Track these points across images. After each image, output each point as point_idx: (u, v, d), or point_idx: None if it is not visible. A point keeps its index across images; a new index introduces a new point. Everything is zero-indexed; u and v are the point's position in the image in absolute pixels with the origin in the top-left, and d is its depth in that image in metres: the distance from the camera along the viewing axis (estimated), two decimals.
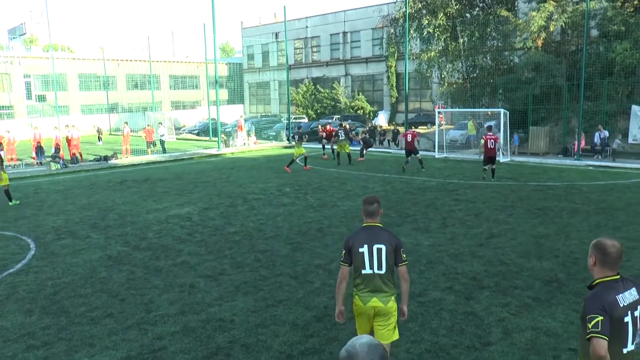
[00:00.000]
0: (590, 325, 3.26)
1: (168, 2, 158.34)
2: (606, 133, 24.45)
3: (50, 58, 42.90)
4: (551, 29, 27.49)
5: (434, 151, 26.58)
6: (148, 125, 33.52)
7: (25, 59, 51.98)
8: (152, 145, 29.98)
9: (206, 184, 18.65)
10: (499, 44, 31.00)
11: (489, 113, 30.46)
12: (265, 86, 62.22)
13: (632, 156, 23.76)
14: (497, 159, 18.72)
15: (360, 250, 4.95)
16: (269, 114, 55.36)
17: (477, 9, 32.32)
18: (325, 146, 26.33)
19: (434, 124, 30.84)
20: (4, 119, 46.13)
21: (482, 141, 18.47)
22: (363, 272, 4.95)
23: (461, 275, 8.55)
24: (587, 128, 25.41)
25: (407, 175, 19.52)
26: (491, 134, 18.51)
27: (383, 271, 4.93)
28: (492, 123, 26.94)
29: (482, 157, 18.70)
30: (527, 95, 27.50)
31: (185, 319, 7.15)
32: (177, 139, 41.54)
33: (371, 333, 4.99)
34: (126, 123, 31.38)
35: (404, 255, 5.03)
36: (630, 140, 24.32)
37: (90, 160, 26.64)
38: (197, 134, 44.15)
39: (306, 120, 48.24)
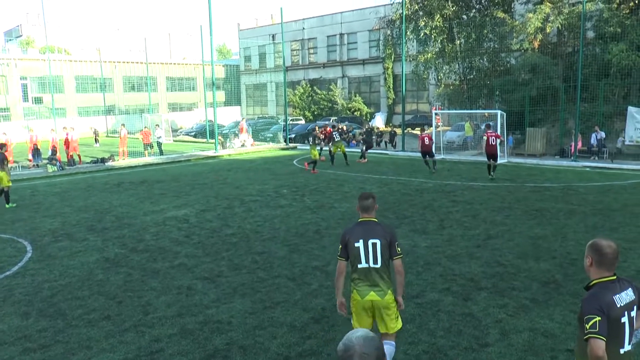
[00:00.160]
0: (587, 326, 3.27)
1: (165, 4, 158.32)
2: (603, 134, 24.52)
3: (46, 60, 42.80)
4: (547, 31, 27.57)
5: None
6: (145, 127, 33.48)
7: (21, 61, 51.91)
8: (149, 147, 29.96)
9: (203, 186, 18.64)
10: (496, 46, 31.05)
11: (486, 114, 30.51)
12: (262, 88, 62.26)
13: (628, 157, 23.84)
14: (497, 156, 19.21)
15: (356, 245, 5.11)
16: (266, 116, 55.40)
17: (474, 10, 32.38)
18: (324, 148, 26.35)
19: (431, 126, 30.85)
20: (0, 121, 46.01)
21: (485, 138, 18.84)
22: (359, 266, 5.12)
23: (459, 277, 8.55)
24: (583, 129, 25.47)
25: (404, 177, 19.54)
26: (492, 131, 19.08)
27: (379, 265, 5.09)
28: (490, 124, 27.04)
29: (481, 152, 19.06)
30: (523, 97, 27.55)
31: (183, 321, 7.14)
32: (174, 141, 41.51)
33: (373, 328, 5.10)
34: (123, 125, 31.36)
35: (399, 249, 5.18)
36: (626, 142, 24.39)
37: (87, 163, 26.60)
38: (194, 136, 44.13)
39: (303, 121, 48.28)
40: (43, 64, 46.44)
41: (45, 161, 25.33)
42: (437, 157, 25.70)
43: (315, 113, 52.48)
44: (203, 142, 38.67)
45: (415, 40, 34.79)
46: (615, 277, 3.48)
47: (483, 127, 31.19)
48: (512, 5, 31.52)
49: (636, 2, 26.12)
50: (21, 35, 79.48)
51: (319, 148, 23.06)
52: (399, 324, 5.31)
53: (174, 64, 65.18)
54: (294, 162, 25.45)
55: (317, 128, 27.41)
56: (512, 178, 18.81)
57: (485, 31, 30.37)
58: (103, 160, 26.41)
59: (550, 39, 29.05)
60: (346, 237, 5.22)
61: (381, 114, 49.57)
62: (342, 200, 15.41)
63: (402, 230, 11.60)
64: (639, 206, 13.62)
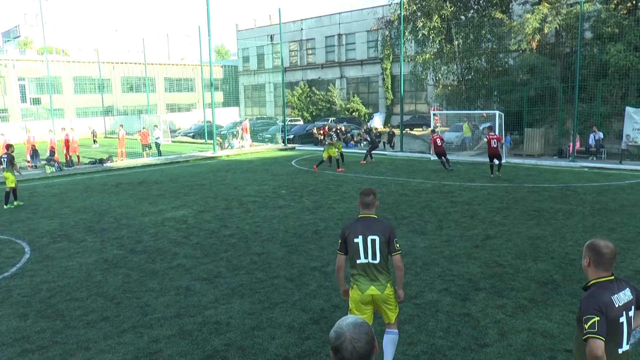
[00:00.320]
0: (586, 326, 3.27)
1: (163, 5, 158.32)
2: (601, 135, 24.56)
3: (44, 61, 42.81)
4: (545, 31, 27.62)
5: (430, 153, 26.60)
6: (143, 128, 33.46)
7: (19, 62, 51.86)
8: (147, 148, 29.93)
9: (202, 187, 18.63)
10: (494, 46, 31.09)
11: (484, 115, 30.56)
12: (261, 88, 62.27)
13: (626, 157, 23.88)
14: (501, 156, 19.88)
15: (356, 240, 5.23)
16: (265, 117, 55.40)
17: (472, 11, 32.42)
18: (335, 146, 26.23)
19: (429, 126, 30.88)
20: None
21: (485, 140, 19.50)
22: (358, 261, 5.24)
23: (457, 277, 8.56)
24: (581, 130, 25.52)
25: (402, 178, 19.55)
26: (493, 133, 19.77)
27: (377, 261, 5.21)
28: (488, 125, 27.04)
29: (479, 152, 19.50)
30: (522, 97, 27.60)
31: (181, 321, 7.13)
32: (172, 141, 41.49)
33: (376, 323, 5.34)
34: (121, 126, 31.35)
35: (397, 245, 5.29)
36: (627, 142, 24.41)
37: (86, 164, 26.58)
38: (193, 137, 44.11)
39: (301, 122, 48.28)
40: (41, 64, 46.40)
41: (43, 162, 25.30)
42: (436, 157, 25.77)
43: (314, 114, 52.51)
44: (201, 143, 38.67)
45: (413, 41, 34.83)
46: (613, 277, 3.49)
47: (481, 128, 31.32)
48: (510, 6, 31.58)
49: (634, 2, 26.18)
50: (19, 36, 79.46)
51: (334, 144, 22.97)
52: (398, 310, 5.49)
53: (172, 64, 65.19)
54: (293, 162, 25.45)
55: (315, 129, 27.38)
56: (510, 178, 18.83)
57: (484, 32, 30.41)
58: (101, 161, 26.39)
59: (548, 39, 29.12)
60: (346, 232, 5.32)
61: (379, 115, 49.60)
62: (340, 200, 15.41)
63: (401, 230, 11.60)
64: (637, 206, 13.65)
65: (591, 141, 24.77)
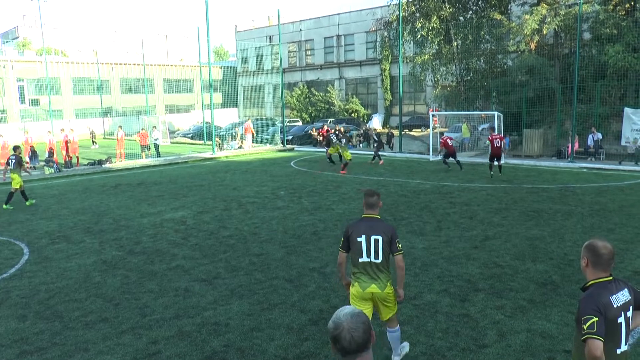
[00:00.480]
0: (585, 327, 3.28)
1: (162, 6, 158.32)
2: (599, 135, 24.58)
3: (43, 62, 42.79)
4: (544, 32, 27.63)
5: (428, 154, 26.63)
6: (142, 129, 33.45)
7: (18, 63, 51.79)
8: (146, 149, 29.92)
9: (201, 188, 18.62)
10: (493, 47, 31.12)
11: (483, 116, 30.59)
12: (260, 89, 62.27)
13: (625, 158, 23.90)
14: (502, 156, 20.13)
15: (359, 239, 5.38)
16: (263, 118, 55.41)
17: (471, 12, 32.46)
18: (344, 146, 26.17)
19: (428, 127, 30.90)
20: None
21: (488, 142, 19.80)
22: (360, 260, 5.39)
23: (456, 278, 8.56)
24: (580, 130, 25.54)
25: (401, 179, 19.56)
26: (496, 134, 20.16)
27: (379, 260, 5.36)
28: (486, 126, 27.06)
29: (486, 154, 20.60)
30: (520, 98, 27.64)
31: (180, 323, 7.13)
32: (171, 142, 41.47)
33: (373, 316, 5.45)
34: (120, 127, 31.35)
35: (399, 245, 5.43)
36: (623, 142, 24.46)
37: (85, 165, 26.57)
38: (192, 138, 44.09)
39: (300, 123, 48.27)
40: (40, 65, 46.34)
41: (42, 163, 25.27)
42: (435, 158, 25.80)
43: (313, 115, 52.50)
44: (200, 144, 38.64)
45: (412, 42, 34.86)
46: (611, 278, 3.49)
47: (480, 128, 31.35)
48: (509, 7, 31.61)
49: (632, 3, 26.22)
50: (18, 37, 79.42)
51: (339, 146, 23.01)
52: (396, 307, 5.64)
53: (171, 65, 65.17)
54: (292, 163, 25.46)
55: (314, 130, 27.33)
56: (509, 179, 18.84)
57: (482, 33, 30.44)
58: (100, 162, 26.37)
59: (546, 40, 29.13)
60: (349, 231, 5.47)
61: (378, 116, 49.60)
62: (339, 201, 15.41)
63: (400, 231, 11.59)
64: (636, 207, 13.66)
65: (590, 142, 24.80)
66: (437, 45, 32.27)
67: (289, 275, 8.96)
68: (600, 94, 25.56)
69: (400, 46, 32.26)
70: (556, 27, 27.31)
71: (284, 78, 41.13)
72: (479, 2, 32.27)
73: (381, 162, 24.00)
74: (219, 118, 45.78)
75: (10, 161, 16.54)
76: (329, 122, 41.51)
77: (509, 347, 6.16)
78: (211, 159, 28.83)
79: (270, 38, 58.84)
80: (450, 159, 21.70)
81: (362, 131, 37.77)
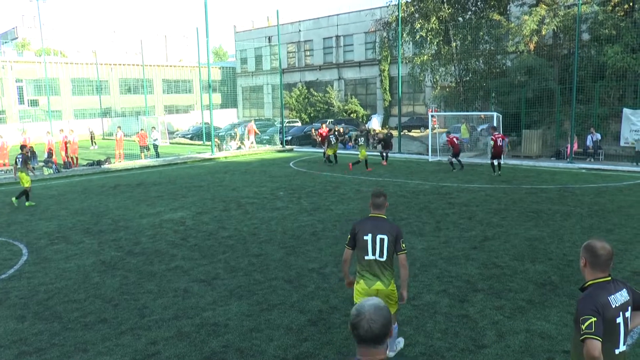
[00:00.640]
0: (583, 327, 3.28)
1: (161, 7, 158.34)
2: (598, 136, 24.61)
3: (42, 62, 42.78)
4: (543, 33, 27.66)
5: (427, 154, 26.65)
6: (141, 129, 33.44)
7: (17, 63, 51.77)
8: (145, 150, 29.91)
9: (200, 188, 18.62)
10: (492, 48, 31.15)
11: (482, 116, 30.61)
12: (259, 90, 62.26)
13: (624, 159, 23.93)
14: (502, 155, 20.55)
15: (365, 238, 5.56)
16: (262, 118, 55.41)
17: (470, 12, 32.49)
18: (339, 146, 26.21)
19: (427, 128, 30.91)
20: None
21: (492, 142, 20.22)
22: (366, 257, 5.56)
23: (455, 279, 8.56)
24: (579, 131, 25.56)
25: (400, 179, 19.56)
26: (497, 133, 20.55)
27: (384, 258, 5.54)
28: (486, 126, 27.05)
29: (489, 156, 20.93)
30: (519, 99, 27.67)
31: (179, 323, 7.13)
32: (170, 143, 41.47)
33: None
34: (119, 127, 31.34)
35: (404, 245, 5.61)
36: (622, 143, 24.48)
37: (84, 165, 26.56)
38: (191, 138, 44.09)
39: (299, 124, 48.27)
40: (39, 66, 46.34)
41: (41, 164, 25.25)
42: (434, 159, 25.85)
43: (312, 115, 52.49)
44: (199, 145, 38.63)
45: (411, 43, 34.88)
46: (610, 278, 3.50)
47: (479, 129, 31.35)
48: (508, 8, 31.64)
49: (631, 4, 26.25)
50: (17, 38, 79.35)
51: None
52: (397, 307, 5.83)
53: (170, 66, 65.17)
54: (291, 164, 25.45)
55: (313, 130, 27.32)
56: (508, 180, 18.85)
57: (481, 33, 30.46)
58: (99, 163, 26.36)
59: (545, 41, 29.16)
60: (356, 229, 5.66)
61: (377, 116, 49.60)
62: (338, 202, 15.41)
63: None
64: (635, 208, 13.67)
65: (589, 142, 24.82)
66: (436, 45, 32.29)
67: (288, 275, 8.96)
68: (599, 95, 25.58)
69: (400, 47, 32.28)
70: (555, 28, 27.34)
71: (283, 79, 41.11)
72: (478, 3, 32.30)
73: (384, 162, 23.96)
74: (218, 119, 45.80)
75: (17, 160, 16.71)
76: (328, 122, 41.53)
77: (508, 348, 6.16)
78: (210, 159, 28.83)
79: (269, 39, 58.84)
80: (451, 158, 21.94)
81: (361, 131, 37.77)
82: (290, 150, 32.77)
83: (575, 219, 12.47)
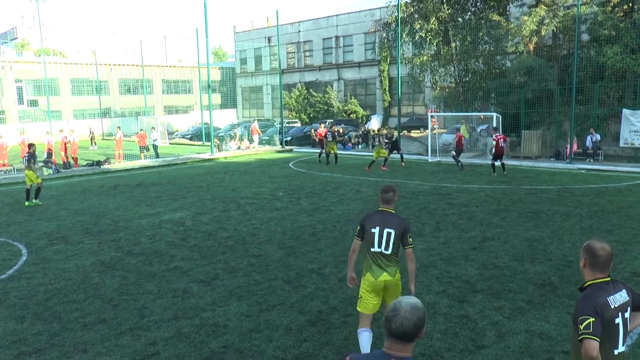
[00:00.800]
0: (581, 327, 3.29)
1: (160, 7, 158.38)
2: (598, 137, 24.61)
3: (42, 63, 42.78)
4: (542, 34, 27.65)
5: (427, 155, 26.65)
6: (141, 130, 33.43)
7: (16, 63, 51.75)
8: (145, 150, 29.92)
9: (199, 189, 18.62)
10: (491, 48, 31.14)
11: (482, 117, 30.61)
12: (258, 90, 62.23)
13: (623, 159, 23.95)
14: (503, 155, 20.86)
15: (372, 230, 5.72)
16: (262, 118, 55.42)
17: (469, 13, 32.48)
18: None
19: (427, 128, 30.92)
20: None
21: (494, 142, 20.37)
22: (372, 249, 5.73)
23: (455, 279, 8.56)
24: (579, 132, 25.56)
25: (400, 180, 19.56)
26: (499, 134, 20.77)
27: (389, 252, 5.70)
28: (485, 127, 27.06)
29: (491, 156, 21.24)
30: (519, 99, 27.67)
31: (179, 324, 7.12)
32: (170, 143, 41.47)
33: (381, 305, 5.84)
34: (119, 128, 31.35)
35: (411, 240, 5.77)
36: (621, 144, 24.49)
37: (83, 166, 26.55)
38: (190, 139, 44.10)
39: (299, 124, 48.26)
40: (38, 66, 46.34)
41: (40, 164, 25.23)
42: (433, 159, 25.85)
43: (311, 116, 52.48)
44: (199, 145, 38.65)
45: (410, 43, 34.86)
46: (609, 279, 3.50)
47: (479, 129, 31.35)
48: (507, 8, 31.64)
49: (630, 5, 26.25)
50: (16, 38, 79.35)
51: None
52: None
53: (170, 66, 65.15)
54: (290, 164, 25.46)
55: (313, 131, 27.38)
56: (507, 180, 18.86)
57: (481, 34, 30.46)
58: (99, 163, 26.36)
59: (545, 41, 29.15)
60: (364, 222, 5.82)
61: (377, 117, 49.54)
62: (338, 202, 15.41)
63: None
64: (634, 208, 13.68)
65: (588, 143, 24.83)
66: (436, 46, 32.28)
67: (287, 276, 8.96)
68: (599, 95, 25.59)
69: (399, 47, 32.28)
70: (555, 29, 27.33)
71: (282, 79, 41.14)
72: (478, 4, 32.29)
73: (384, 167, 23.07)
74: (218, 119, 45.81)
75: (25, 159, 16.84)
76: (327, 123, 41.55)
77: (507, 348, 6.16)
78: (210, 160, 28.84)
79: (268, 39, 58.83)
80: (453, 152, 22.34)
81: (361, 132, 37.78)
82: (290, 151, 32.78)
83: (575, 220, 12.48)
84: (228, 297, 8.07)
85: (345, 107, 50.80)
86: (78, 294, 8.38)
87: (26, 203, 16.39)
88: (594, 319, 3.28)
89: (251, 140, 35.59)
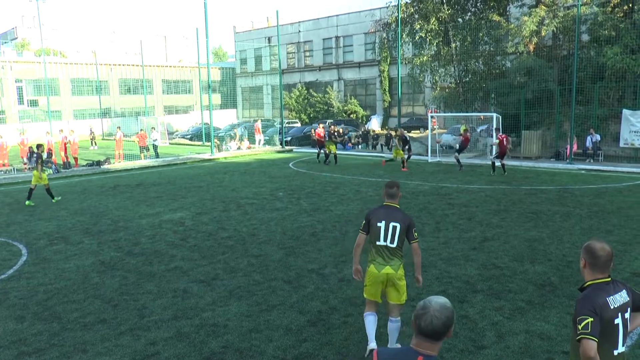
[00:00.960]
0: (580, 327, 3.29)
1: (161, 7, 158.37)
2: (598, 137, 24.62)
3: (42, 63, 42.78)
4: (542, 34, 27.66)
5: (427, 155, 26.65)
6: (141, 130, 33.44)
7: (16, 63, 51.76)
8: (145, 150, 29.92)
9: (199, 189, 18.62)
10: (491, 49, 31.15)
11: (482, 117, 30.62)
12: (258, 91, 62.25)
13: (623, 160, 23.95)
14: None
15: (378, 224, 5.87)
16: (262, 119, 55.40)
17: (469, 13, 32.49)
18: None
19: (427, 128, 30.92)
20: None
21: (497, 140, 20.58)
22: (377, 243, 5.87)
23: (455, 279, 8.56)
24: (579, 132, 25.56)
25: (400, 180, 19.55)
26: (501, 134, 21.12)
27: (394, 245, 5.84)
28: (485, 127, 27.06)
29: (493, 155, 21.45)
30: (519, 100, 27.67)
31: (179, 324, 7.12)
32: (170, 143, 41.46)
33: (382, 297, 6.05)
34: (119, 128, 31.35)
35: (416, 234, 5.94)
36: (621, 144, 24.49)
37: (83, 166, 26.55)
38: (190, 139, 44.11)
39: (299, 124, 48.26)
40: (38, 66, 46.34)
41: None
42: (433, 159, 25.87)
43: (311, 116, 52.49)
44: (199, 145, 38.66)
45: (410, 43, 34.88)
46: (609, 279, 3.49)
47: (479, 130, 31.35)
48: (508, 9, 31.64)
49: (630, 5, 26.26)
50: (16, 38, 79.36)
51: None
52: (405, 297, 6.08)
53: (170, 66, 65.16)
54: (290, 165, 25.46)
55: (313, 131, 27.45)
56: (507, 181, 18.86)
57: (481, 34, 30.48)
58: (99, 163, 26.36)
59: (545, 42, 29.17)
60: (370, 216, 5.98)
61: (377, 117, 49.58)
62: (338, 203, 15.41)
63: None
64: (634, 209, 13.67)
65: (588, 143, 24.83)
66: (436, 46, 32.30)
67: (287, 276, 8.96)
68: (599, 96, 25.59)
69: (399, 47, 32.30)
70: (555, 29, 27.34)
71: (282, 79, 41.15)
72: (478, 4, 32.30)
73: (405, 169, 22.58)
74: (218, 119, 45.81)
75: (33, 159, 17.00)
76: (327, 123, 41.55)
77: (507, 349, 6.16)
78: (210, 160, 28.84)
79: (269, 39, 58.84)
80: (456, 153, 22.48)
81: (361, 132, 37.79)
82: (290, 151, 32.78)
83: (575, 220, 12.48)
84: (228, 297, 8.07)
85: (345, 108, 50.80)
86: (78, 294, 8.38)
87: (26, 202, 16.41)
88: (592, 319, 3.28)
89: (252, 141, 35.60)
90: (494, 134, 22.96)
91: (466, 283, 8.37)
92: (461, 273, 8.85)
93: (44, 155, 25.06)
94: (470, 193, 16.53)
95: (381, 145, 33.70)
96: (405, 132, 25.16)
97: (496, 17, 29.07)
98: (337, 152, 25.66)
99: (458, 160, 22.26)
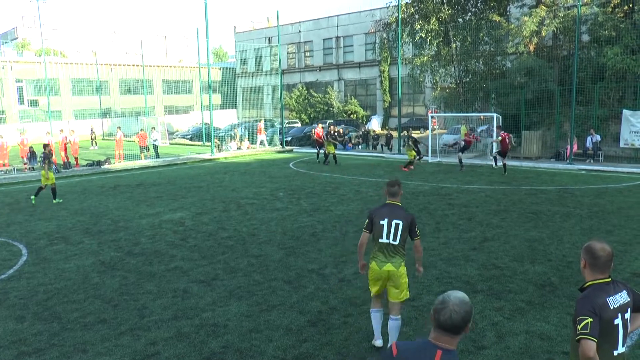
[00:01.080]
0: (579, 327, 3.29)
1: (161, 7, 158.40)
2: (598, 137, 24.61)
3: (42, 63, 42.77)
4: (543, 34, 27.66)
5: (427, 155, 26.64)
6: (141, 130, 33.44)
7: (17, 63, 51.76)
8: (145, 150, 29.91)
9: (199, 189, 18.62)
10: (492, 49, 31.14)
11: (482, 117, 30.60)
12: (259, 91, 62.26)
13: (623, 160, 23.94)
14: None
15: (381, 222, 5.96)
16: (262, 119, 55.39)
17: (470, 14, 32.48)
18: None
19: (427, 129, 30.92)
20: None
21: (500, 138, 20.73)
22: (380, 240, 5.97)
23: (455, 280, 8.56)
24: (579, 132, 25.55)
25: (400, 180, 19.53)
26: (503, 132, 21.16)
27: (397, 242, 5.95)
28: (485, 127, 27.07)
29: (494, 153, 21.95)
30: (519, 100, 27.66)
31: (179, 324, 7.12)
32: (170, 143, 41.46)
33: (384, 294, 6.19)
34: (119, 128, 31.34)
35: (418, 231, 6.06)
36: (621, 145, 24.49)
37: (83, 166, 26.55)
38: (191, 139, 44.11)
39: (299, 125, 48.26)
40: (39, 66, 46.33)
41: (39, 164, 25.23)
42: (433, 159, 25.85)
43: (312, 116, 52.49)
44: (199, 145, 38.65)
45: (411, 44, 34.88)
46: (609, 279, 3.49)
47: (479, 130, 31.34)
48: (508, 9, 31.63)
49: (630, 5, 26.25)
50: (17, 38, 79.37)
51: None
52: (407, 295, 6.19)
53: (170, 66, 65.17)
54: (290, 165, 25.46)
55: (313, 130, 27.47)
56: (507, 181, 18.86)
57: (481, 34, 30.47)
58: (99, 163, 26.36)
59: (545, 42, 29.17)
60: (372, 215, 6.07)
61: (377, 117, 49.59)
62: (338, 203, 15.41)
63: None
64: (634, 209, 13.67)
65: (588, 144, 24.82)
66: (436, 46, 32.29)
67: (287, 276, 8.96)
68: (599, 96, 25.58)
69: (399, 48, 32.28)
70: (555, 29, 27.34)
71: (283, 79, 41.13)
72: (478, 4, 32.29)
73: (409, 167, 22.65)
74: (218, 119, 45.82)
75: (40, 158, 17.07)
76: (327, 123, 41.55)
77: (507, 349, 6.16)
78: (210, 160, 28.83)
79: (269, 39, 58.84)
80: (459, 153, 22.58)
81: (361, 132, 37.79)
82: (290, 151, 32.78)
83: (575, 220, 12.47)
84: (228, 297, 8.07)
85: (346, 108, 50.80)
86: (78, 294, 8.38)
87: (32, 197, 16.62)
88: (591, 320, 3.27)
89: (253, 142, 35.58)
90: (495, 132, 22.92)
91: (466, 283, 8.37)
92: (461, 273, 8.85)
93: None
94: (470, 193, 16.52)
95: (381, 145, 33.69)
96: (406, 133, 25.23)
97: (496, 17, 29.07)
98: (337, 152, 25.66)
99: (460, 161, 22.25)
